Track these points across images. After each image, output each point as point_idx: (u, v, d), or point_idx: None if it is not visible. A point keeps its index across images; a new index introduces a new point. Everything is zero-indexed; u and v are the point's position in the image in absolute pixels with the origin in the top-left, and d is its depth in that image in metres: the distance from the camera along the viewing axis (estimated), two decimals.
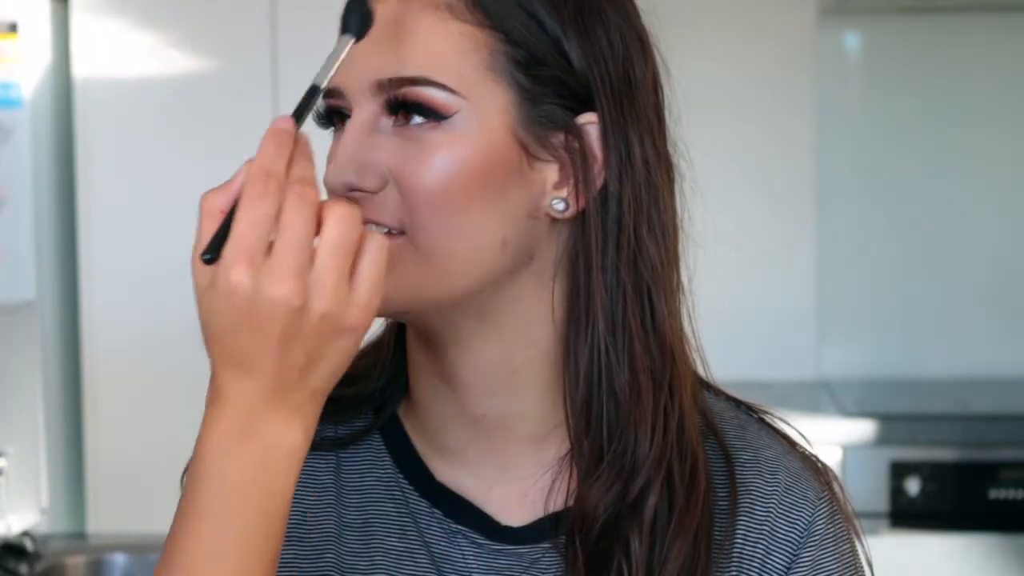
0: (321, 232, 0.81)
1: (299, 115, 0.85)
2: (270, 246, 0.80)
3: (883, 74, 3.35)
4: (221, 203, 0.82)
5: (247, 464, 0.82)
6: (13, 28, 3.08)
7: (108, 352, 3.14)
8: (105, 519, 3.11)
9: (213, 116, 3.11)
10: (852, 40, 3.37)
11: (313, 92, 0.86)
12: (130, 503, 3.06)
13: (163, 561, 0.84)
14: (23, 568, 2.17)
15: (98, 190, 3.14)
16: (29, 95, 3.10)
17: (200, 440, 0.83)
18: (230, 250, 0.80)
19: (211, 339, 0.82)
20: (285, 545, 0.99)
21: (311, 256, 0.80)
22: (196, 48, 3.16)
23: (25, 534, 2.24)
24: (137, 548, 2.30)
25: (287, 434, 0.82)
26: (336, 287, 0.81)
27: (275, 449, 0.82)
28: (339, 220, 0.81)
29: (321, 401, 0.85)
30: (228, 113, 3.10)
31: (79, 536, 2.98)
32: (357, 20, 0.88)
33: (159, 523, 1.94)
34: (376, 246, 0.83)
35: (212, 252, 0.80)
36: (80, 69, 3.15)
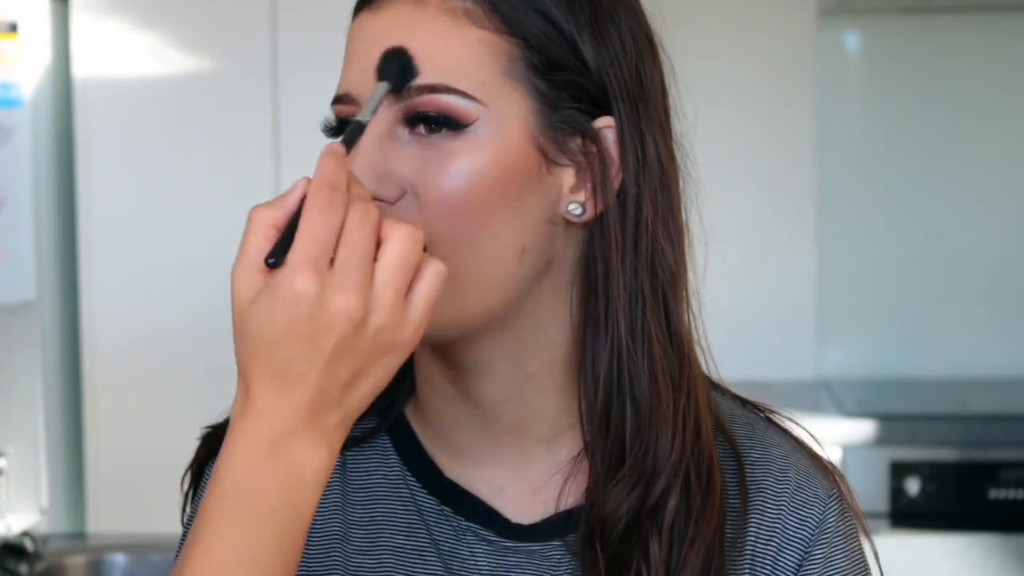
0: (383, 248, 0.81)
1: (347, 145, 0.86)
2: (331, 260, 0.80)
3: (883, 74, 3.35)
4: (274, 217, 0.81)
5: (271, 484, 0.80)
6: (13, 28, 3.08)
7: (108, 352, 3.14)
8: (105, 519, 3.10)
9: (213, 116, 3.10)
10: (852, 40, 3.37)
11: (357, 128, 0.87)
12: (130, 503, 3.06)
13: (175, 571, 0.83)
14: (23, 568, 2.17)
15: (98, 190, 3.14)
16: (29, 95, 3.09)
17: (226, 450, 0.81)
18: (295, 257, 0.79)
19: (254, 349, 0.80)
20: None
21: (372, 272, 0.81)
22: (196, 48, 3.16)
23: (25, 534, 2.24)
24: (137, 548, 2.30)
25: (314, 455, 0.81)
26: (394, 304, 0.81)
27: (300, 471, 0.81)
28: (403, 238, 0.81)
29: (351, 424, 0.84)
30: (228, 113, 3.09)
31: (79, 536, 2.98)
32: (395, 68, 0.89)
33: (159, 523, 1.94)
34: (434, 270, 0.83)
35: (276, 257, 0.80)
36: (80, 69, 3.14)
